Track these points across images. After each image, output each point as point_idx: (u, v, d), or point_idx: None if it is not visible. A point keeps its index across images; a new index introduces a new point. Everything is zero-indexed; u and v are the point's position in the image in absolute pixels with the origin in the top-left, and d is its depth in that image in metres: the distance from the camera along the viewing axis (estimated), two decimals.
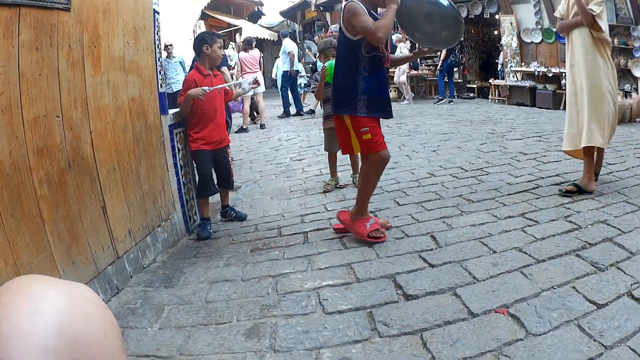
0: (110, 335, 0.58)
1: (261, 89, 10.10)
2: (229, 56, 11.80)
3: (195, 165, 4.22)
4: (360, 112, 3.23)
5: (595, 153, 4.10)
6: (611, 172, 4.67)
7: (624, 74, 9.12)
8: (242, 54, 10.17)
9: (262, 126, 10.19)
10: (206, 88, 3.89)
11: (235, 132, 9.78)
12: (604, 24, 3.82)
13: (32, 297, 0.53)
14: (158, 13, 3.86)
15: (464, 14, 12.50)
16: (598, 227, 3.24)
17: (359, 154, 3.58)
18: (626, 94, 8.74)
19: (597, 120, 3.89)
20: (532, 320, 2.19)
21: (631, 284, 2.44)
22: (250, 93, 10.00)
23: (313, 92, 5.58)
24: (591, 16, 3.76)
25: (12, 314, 0.51)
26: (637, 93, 8.62)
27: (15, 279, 0.57)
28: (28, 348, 0.49)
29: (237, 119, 10.35)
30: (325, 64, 4.87)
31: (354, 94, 3.23)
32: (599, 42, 3.89)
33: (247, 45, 10.21)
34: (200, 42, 4.03)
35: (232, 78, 9.85)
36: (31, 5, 2.25)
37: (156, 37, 3.81)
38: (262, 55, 10.77)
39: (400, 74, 12.42)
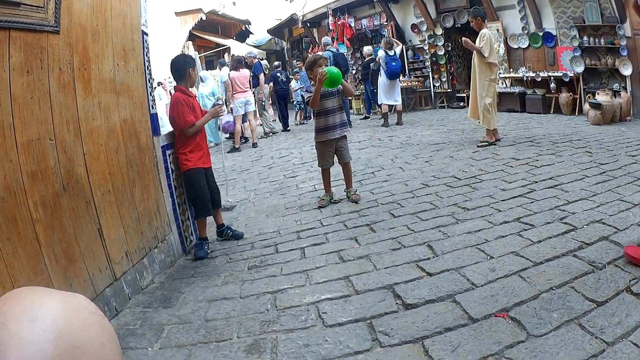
0: (108, 342, 0.58)
1: (251, 107, 10.16)
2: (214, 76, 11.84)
3: (188, 185, 4.18)
4: None
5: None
6: (604, 172, 4.71)
7: (612, 73, 9.06)
8: (233, 73, 9.99)
9: (254, 145, 10.14)
10: (220, 102, 4.25)
11: (228, 152, 9.77)
12: (492, 58, 6.76)
13: (30, 307, 0.54)
14: (147, 34, 3.89)
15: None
16: (594, 227, 3.26)
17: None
18: (615, 93, 8.65)
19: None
20: (532, 322, 2.20)
21: (630, 280, 2.47)
22: (242, 112, 10.04)
23: (308, 101, 4.84)
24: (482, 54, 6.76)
25: (11, 323, 0.51)
26: (626, 92, 8.60)
27: (15, 290, 0.57)
28: (26, 355, 0.49)
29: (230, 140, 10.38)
30: (325, 68, 4.54)
31: None
32: (485, 63, 6.81)
33: (238, 64, 10.07)
34: (185, 66, 4.10)
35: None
36: (21, 28, 2.26)
37: (145, 58, 3.84)
38: (251, 74, 10.74)
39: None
